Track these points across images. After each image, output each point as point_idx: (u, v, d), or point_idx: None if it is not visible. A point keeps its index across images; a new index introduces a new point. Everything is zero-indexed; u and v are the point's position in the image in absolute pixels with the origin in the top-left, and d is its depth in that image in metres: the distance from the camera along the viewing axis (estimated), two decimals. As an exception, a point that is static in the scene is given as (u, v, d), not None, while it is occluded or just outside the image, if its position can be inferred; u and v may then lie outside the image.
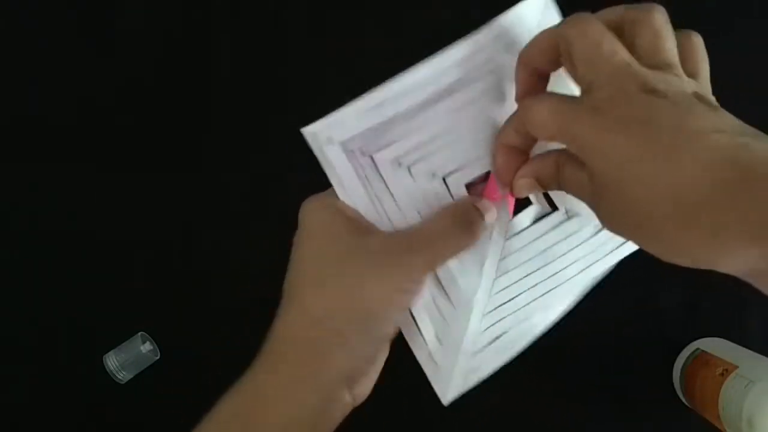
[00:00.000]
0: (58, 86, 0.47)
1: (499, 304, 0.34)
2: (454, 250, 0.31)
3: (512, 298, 0.34)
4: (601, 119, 0.25)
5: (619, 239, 0.35)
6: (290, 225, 0.44)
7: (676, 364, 0.47)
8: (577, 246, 0.34)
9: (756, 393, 0.38)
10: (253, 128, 0.47)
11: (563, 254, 0.34)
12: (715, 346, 0.45)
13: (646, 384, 0.47)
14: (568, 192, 0.29)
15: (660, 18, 0.26)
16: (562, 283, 0.35)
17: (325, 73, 0.46)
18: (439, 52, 0.32)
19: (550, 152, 0.30)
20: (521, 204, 0.34)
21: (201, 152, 0.47)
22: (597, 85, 0.25)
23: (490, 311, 0.34)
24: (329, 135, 0.32)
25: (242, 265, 0.46)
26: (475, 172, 0.33)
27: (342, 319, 0.29)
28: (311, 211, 0.32)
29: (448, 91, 0.33)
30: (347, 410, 0.32)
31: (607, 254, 0.35)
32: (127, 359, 0.46)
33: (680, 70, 0.26)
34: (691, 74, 0.27)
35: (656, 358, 0.47)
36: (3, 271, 0.48)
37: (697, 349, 0.45)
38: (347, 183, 0.33)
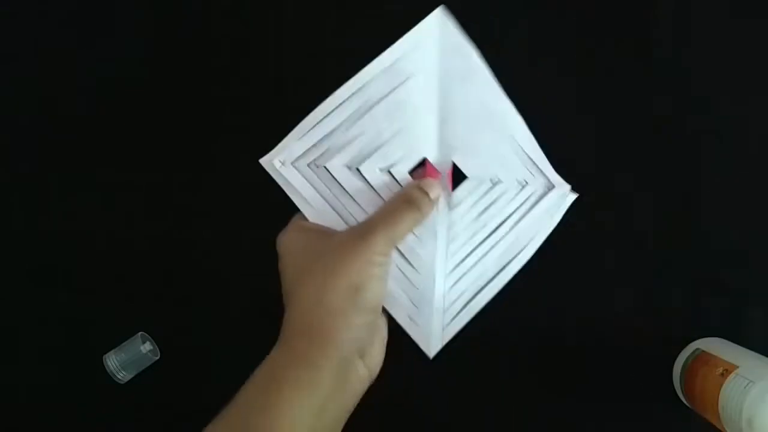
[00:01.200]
0: (58, 87, 0.47)
1: (456, 264, 0.42)
2: (408, 224, 0.37)
3: (466, 257, 0.42)
4: None
5: (534, 201, 0.43)
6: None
7: (676, 364, 0.47)
8: (505, 206, 0.43)
9: (756, 393, 0.38)
10: (252, 129, 0.47)
11: (496, 214, 0.43)
12: (715, 346, 0.45)
13: (646, 384, 0.47)
14: None
15: None
16: (503, 237, 0.43)
17: (325, 67, 0.46)
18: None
19: None
20: (459, 179, 0.42)
21: (201, 152, 0.47)
22: None
23: (451, 271, 0.42)
24: (282, 159, 0.40)
25: (242, 265, 0.46)
26: (414, 160, 0.41)
27: (333, 297, 0.35)
28: (282, 237, 0.39)
29: (378, 98, 0.40)
30: (365, 382, 0.37)
31: (531, 208, 0.43)
32: (127, 359, 0.46)
33: None
34: None
35: (656, 358, 0.47)
36: (3, 271, 0.48)
37: (697, 349, 0.45)
38: (308, 196, 0.40)
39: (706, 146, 0.47)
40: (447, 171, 0.42)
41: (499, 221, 0.43)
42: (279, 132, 0.47)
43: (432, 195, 0.39)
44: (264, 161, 0.40)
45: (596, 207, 0.46)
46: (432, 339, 0.42)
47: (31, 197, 0.47)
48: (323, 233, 0.39)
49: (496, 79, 0.42)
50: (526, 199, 0.43)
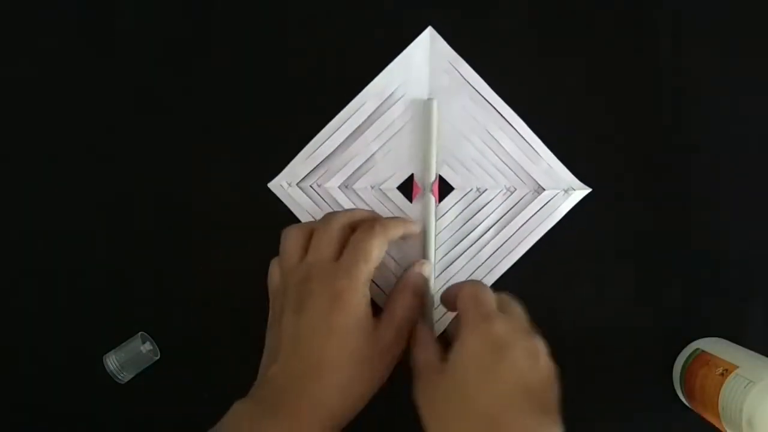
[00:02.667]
0: (57, 87, 0.47)
1: (444, 268, 0.46)
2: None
3: (453, 261, 0.46)
4: None
5: (523, 206, 0.46)
6: (289, 225, 0.44)
7: (676, 364, 0.47)
8: (491, 212, 0.46)
9: (756, 393, 0.38)
10: (251, 129, 0.47)
11: (482, 220, 0.46)
12: (715, 346, 0.45)
13: (646, 384, 0.47)
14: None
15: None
16: (489, 242, 0.46)
17: (326, 70, 0.47)
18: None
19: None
20: (444, 191, 0.46)
21: (201, 153, 0.47)
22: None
23: (439, 275, 0.46)
24: (288, 181, 0.46)
25: (242, 266, 0.46)
26: (403, 176, 0.46)
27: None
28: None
29: (369, 122, 0.45)
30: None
31: (517, 215, 0.46)
32: (127, 359, 0.46)
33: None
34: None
35: (656, 358, 0.47)
36: (2, 270, 0.48)
37: (697, 349, 0.45)
38: (312, 213, 0.45)
39: (706, 146, 0.47)
40: (433, 184, 0.45)
41: (485, 227, 0.46)
42: (278, 133, 0.47)
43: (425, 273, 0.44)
44: (272, 185, 0.46)
45: (596, 207, 0.46)
46: None
47: (31, 197, 0.47)
48: None
49: (488, 90, 0.45)
50: (515, 204, 0.46)
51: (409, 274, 0.43)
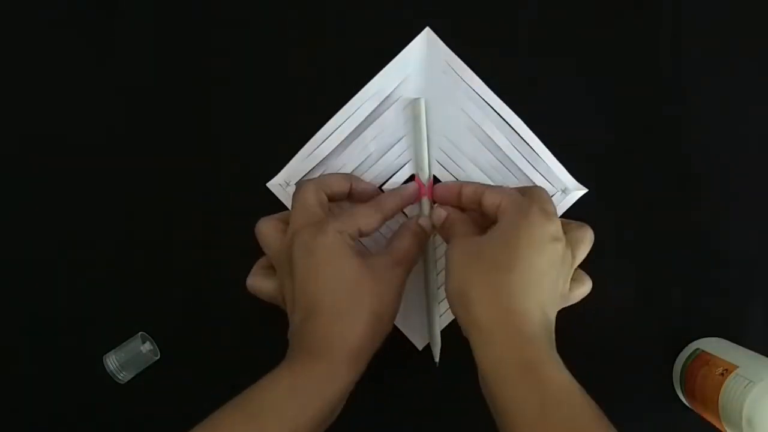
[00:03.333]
0: (57, 87, 0.47)
1: (443, 267, 0.44)
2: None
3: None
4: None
5: None
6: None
7: (676, 364, 0.47)
8: None
9: (756, 393, 0.38)
10: (252, 130, 0.47)
11: None
12: (715, 346, 0.45)
13: (646, 384, 0.47)
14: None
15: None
16: None
17: (325, 70, 0.47)
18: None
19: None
20: None
21: (201, 153, 0.47)
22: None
23: (438, 273, 0.46)
24: (287, 180, 0.46)
25: (242, 266, 0.46)
26: (402, 177, 0.46)
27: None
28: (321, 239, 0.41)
29: (367, 122, 0.45)
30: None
31: None
32: (127, 359, 0.46)
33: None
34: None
35: (656, 358, 0.47)
36: (3, 271, 0.48)
37: (697, 349, 0.45)
38: None
39: (706, 146, 0.47)
40: (429, 184, 0.44)
41: None
42: (279, 134, 0.47)
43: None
44: (271, 184, 0.46)
45: (596, 207, 0.46)
46: (422, 335, 0.46)
47: (30, 197, 0.47)
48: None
49: (485, 90, 0.45)
50: None
51: (407, 221, 0.44)
